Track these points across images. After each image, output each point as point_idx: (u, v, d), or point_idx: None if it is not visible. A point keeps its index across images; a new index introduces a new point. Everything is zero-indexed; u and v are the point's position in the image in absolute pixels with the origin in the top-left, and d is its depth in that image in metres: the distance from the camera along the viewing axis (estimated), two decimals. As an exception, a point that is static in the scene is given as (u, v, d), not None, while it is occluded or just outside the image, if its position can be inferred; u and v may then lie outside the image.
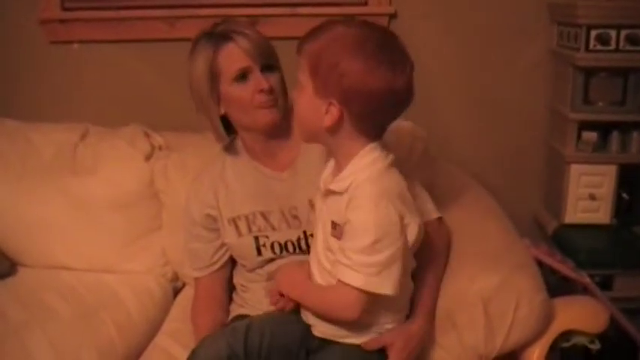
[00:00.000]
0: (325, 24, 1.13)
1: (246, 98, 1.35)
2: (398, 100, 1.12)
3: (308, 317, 1.26)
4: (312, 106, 1.12)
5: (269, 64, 1.37)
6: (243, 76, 1.35)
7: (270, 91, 1.35)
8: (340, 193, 1.14)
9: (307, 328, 1.26)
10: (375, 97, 1.09)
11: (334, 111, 1.10)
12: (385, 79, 1.08)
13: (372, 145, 1.15)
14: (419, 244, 1.21)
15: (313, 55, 1.11)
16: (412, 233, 1.16)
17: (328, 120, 1.11)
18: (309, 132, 1.18)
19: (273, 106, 1.36)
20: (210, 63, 1.36)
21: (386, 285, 1.11)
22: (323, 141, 1.18)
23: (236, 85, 1.35)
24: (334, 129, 1.12)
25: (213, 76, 1.36)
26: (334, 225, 1.15)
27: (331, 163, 1.22)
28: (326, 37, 1.11)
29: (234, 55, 1.35)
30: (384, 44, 1.11)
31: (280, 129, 1.41)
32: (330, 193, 1.17)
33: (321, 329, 1.24)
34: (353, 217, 1.10)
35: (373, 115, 1.12)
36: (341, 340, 1.22)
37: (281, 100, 1.38)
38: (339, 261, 1.13)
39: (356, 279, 1.10)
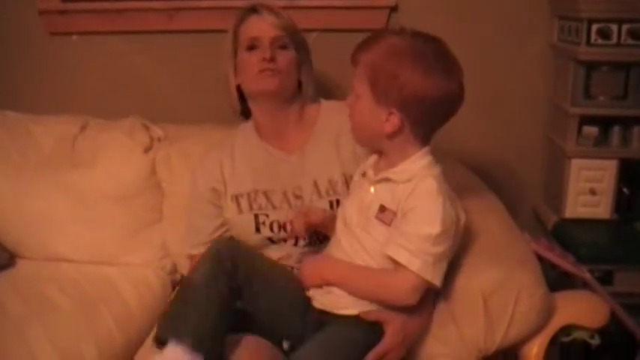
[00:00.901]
0: (378, 34, 1.20)
1: (252, 65, 1.43)
2: (452, 105, 1.20)
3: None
4: (371, 114, 1.18)
5: (282, 42, 1.46)
6: (253, 45, 1.45)
7: (272, 60, 1.42)
8: (397, 182, 1.19)
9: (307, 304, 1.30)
10: (433, 104, 1.16)
11: (395, 119, 1.17)
12: (442, 87, 1.15)
13: (426, 149, 1.22)
14: None
15: (371, 66, 1.17)
16: (457, 236, 1.23)
17: (389, 127, 1.17)
18: (367, 137, 1.25)
19: (272, 73, 1.42)
20: (234, 32, 1.49)
21: (437, 276, 1.18)
22: (380, 145, 1.23)
23: (247, 54, 1.46)
24: (394, 135, 1.19)
25: (235, 46, 1.49)
26: (383, 209, 1.20)
27: (374, 157, 1.28)
28: (382, 49, 1.17)
29: (250, 26, 1.47)
30: (441, 54, 1.17)
31: (288, 107, 1.48)
32: (383, 180, 1.22)
33: (321, 301, 1.27)
34: (423, 204, 1.16)
35: (431, 120, 1.20)
36: (339, 312, 1.25)
37: (284, 75, 1.44)
38: (399, 244, 1.16)
39: (413, 263, 1.15)
